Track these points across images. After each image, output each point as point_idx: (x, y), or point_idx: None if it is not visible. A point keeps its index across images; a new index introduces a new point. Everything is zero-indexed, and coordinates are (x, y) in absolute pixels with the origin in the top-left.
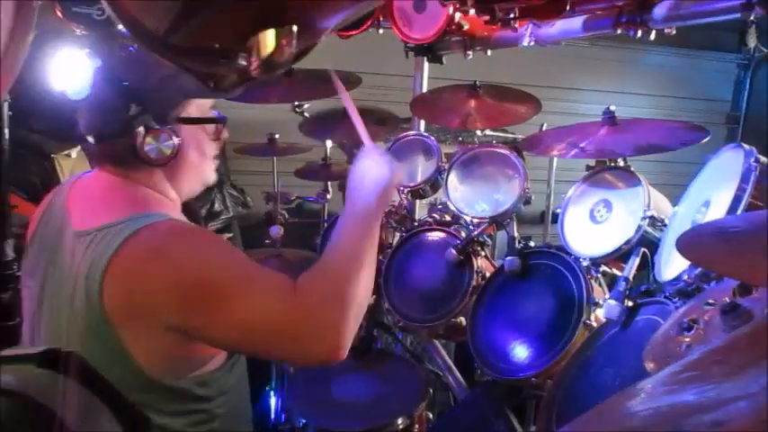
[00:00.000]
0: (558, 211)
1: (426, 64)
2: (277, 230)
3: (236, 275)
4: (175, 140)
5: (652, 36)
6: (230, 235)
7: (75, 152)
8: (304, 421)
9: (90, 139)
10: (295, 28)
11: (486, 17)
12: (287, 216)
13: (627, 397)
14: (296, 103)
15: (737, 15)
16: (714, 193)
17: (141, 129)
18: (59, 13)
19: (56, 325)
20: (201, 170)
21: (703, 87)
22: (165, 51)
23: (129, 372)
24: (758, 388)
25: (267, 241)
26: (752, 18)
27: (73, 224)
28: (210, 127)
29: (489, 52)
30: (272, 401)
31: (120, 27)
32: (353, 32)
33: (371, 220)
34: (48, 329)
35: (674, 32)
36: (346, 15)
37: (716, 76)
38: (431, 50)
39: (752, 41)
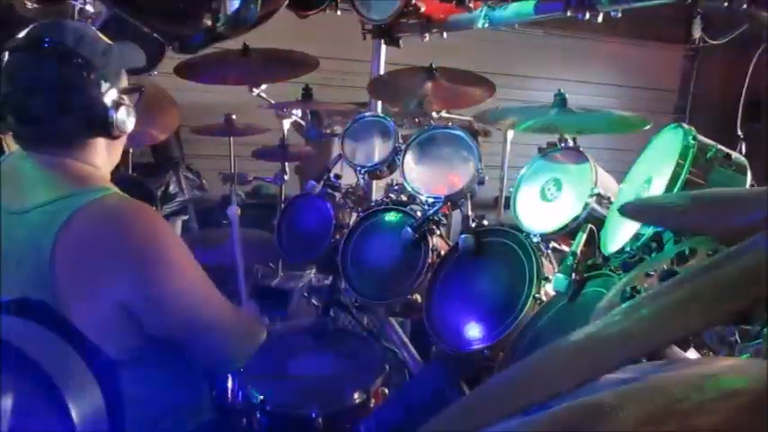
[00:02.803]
0: (511, 190)
1: (384, 48)
2: (234, 210)
3: (180, 248)
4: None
5: (599, 18)
6: (186, 217)
7: None
8: (261, 397)
9: (22, 119)
10: None
11: None
12: (244, 197)
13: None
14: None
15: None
16: (655, 171)
17: (111, 102)
18: None
19: None
20: (125, 140)
21: (651, 77)
22: (136, 12)
23: None
24: None
25: (225, 221)
26: (698, 9)
27: (5, 205)
28: (133, 97)
29: (445, 35)
30: (229, 383)
31: None
32: (312, 12)
33: None
34: None
35: (620, 15)
36: None
37: (664, 66)
38: (388, 33)
39: (697, 32)
